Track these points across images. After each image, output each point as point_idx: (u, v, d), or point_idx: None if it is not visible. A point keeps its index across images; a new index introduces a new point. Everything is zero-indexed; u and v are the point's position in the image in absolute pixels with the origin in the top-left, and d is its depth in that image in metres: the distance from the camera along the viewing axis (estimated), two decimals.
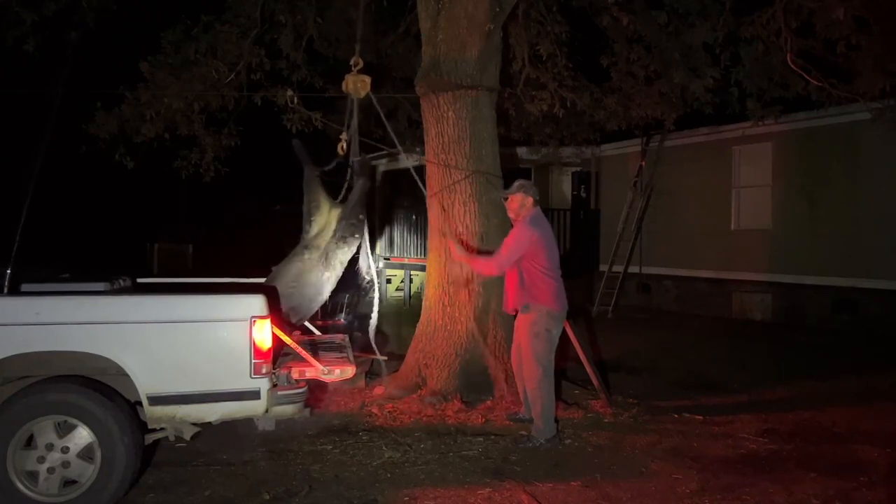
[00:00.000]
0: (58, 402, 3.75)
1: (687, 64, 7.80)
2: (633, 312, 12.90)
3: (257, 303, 3.94)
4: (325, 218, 5.48)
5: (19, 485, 3.70)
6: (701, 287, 12.73)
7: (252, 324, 3.87)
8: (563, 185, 16.41)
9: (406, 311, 11.71)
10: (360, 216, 5.34)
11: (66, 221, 22.26)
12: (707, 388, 6.95)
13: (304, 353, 4.29)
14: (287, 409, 4.07)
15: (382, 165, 16.25)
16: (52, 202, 21.70)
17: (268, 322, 3.94)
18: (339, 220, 5.36)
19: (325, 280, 5.28)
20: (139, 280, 5.28)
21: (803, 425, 5.62)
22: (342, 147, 5.87)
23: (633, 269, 13.51)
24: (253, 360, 3.87)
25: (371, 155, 9.62)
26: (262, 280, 5.46)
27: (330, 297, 5.57)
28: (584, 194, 15.89)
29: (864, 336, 9.85)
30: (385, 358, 6.82)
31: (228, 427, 5.00)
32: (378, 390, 6.28)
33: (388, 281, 16.30)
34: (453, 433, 5.23)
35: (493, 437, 5.17)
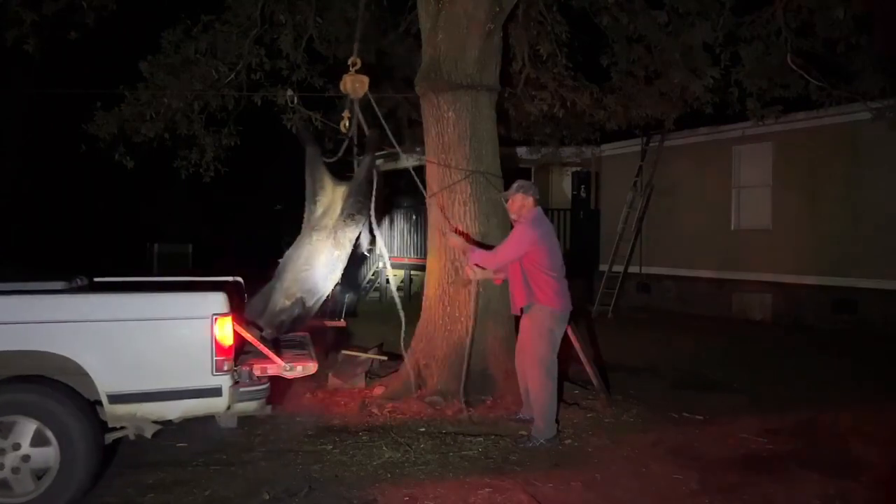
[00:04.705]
0: None
1: (687, 64, 7.80)
2: (633, 312, 12.90)
3: (218, 300, 3.95)
4: (329, 197, 5.48)
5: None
6: (701, 287, 12.73)
7: (213, 321, 3.88)
8: (563, 185, 16.40)
9: (406, 311, 11.64)
10: (367, 193, 5.36)
11: (66, 222, 22.27)
12: (707, 388, 6.94)
13: (265, 350, 4.30)
14: (249, 406, 4.09)
15: (382, 166, 16.24)
16: (51, 203, 21.75)
17: (229, 319, 3.95)
18: (346, 198, 5.36)
19: (336, 258, 5.29)
20: (96, 279, 5.21)
21: (803, 425, 5.61)
22: (345, 125, 5.90)
23: (633, 269, 13.51)
24: (214, 358, 3.88)
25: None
26: (229, 278, 5.42)
27: (331, 296, 5.58)
28: (584, 194, 15.87)
29: (864, 336, 9.85)
30: (384, 357, 6.83)
31: (228, 427, 5.01)
32: (378, 390, 6.28)
33: (388, 281, 16.29)
34: (453, 433, 5.22)
35: (493, 437, 5.17)
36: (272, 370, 4.25)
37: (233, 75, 8.50)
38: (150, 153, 9.15)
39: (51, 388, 3.79)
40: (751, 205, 12.16)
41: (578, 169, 15.58)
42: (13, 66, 9.57)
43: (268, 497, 4.07)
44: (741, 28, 7.57)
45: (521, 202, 5.24)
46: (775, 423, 5.61)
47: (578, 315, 7.84)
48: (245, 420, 5.27)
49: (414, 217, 14.88)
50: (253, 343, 4.30)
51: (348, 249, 5.39)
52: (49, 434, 3.72)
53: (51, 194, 21.86)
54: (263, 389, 4.15)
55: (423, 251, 13.11)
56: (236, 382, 4.03)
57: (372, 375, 6.75)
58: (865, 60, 7.50)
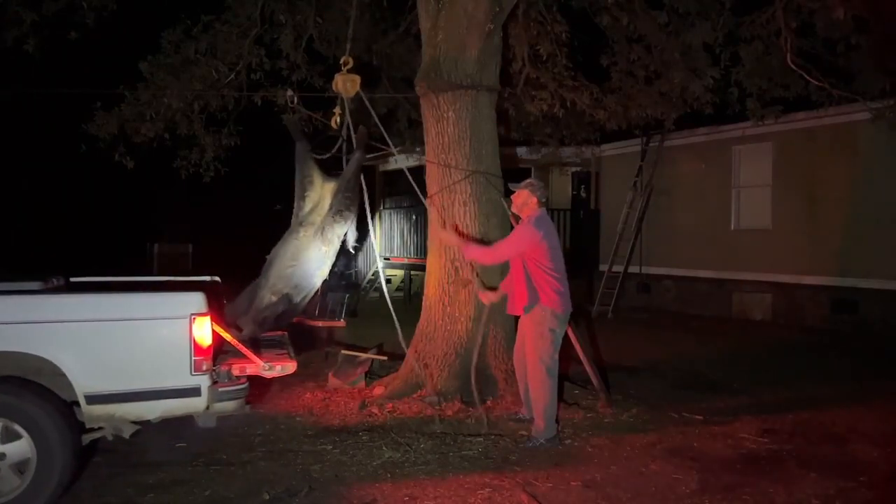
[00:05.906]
0: None
1: (687, 64, 7.81)
2: (633, 312, 12.90)
3: (196, 300, 3.95)
4: (318, 193, 5.48)
5: None
6: (701, 287, 12.73)
7: (191, 321, 3.87)
8: (563, 185, 16.42)
9: (406, 311, 11.67)
10: (356, 189, 5.36)
11: (67, 223, 22.26)
12: (707, 388, 6.94)
13: (244, 350, 4.30)
14: (228, 406, 4.08)
15: (382, 166, 16.25)
16: (51, 203, 21.73)
17: (207, 319, 3.94)
18: (335, 194, 5.35)
19: (324, 255, 5.29)
20: (73, 279, 5.19)
21: (803, 425, 5.62)
22: (335, 121, 5.90)
23: (633, 269, 13.51)
24: (193, 358, 3.88)
25: (370, 155, 9.62)
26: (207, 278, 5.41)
27: (329, 297, 5.59)
28: (584, 194, 15.89)
29: (864, 336, 9.85)
30: (384, 357, 6.83)
31: (228, 427, 5.02)
32: (378, 390, 6.28)
33: (388, 281, 16.30)
34: (453, 433, 5.22)
35: (493, 437, 5.17)
36: (251, 370, 4.24)
37: (233, 75, 8.50)
38: (150, 153, 9.15)
39: (9, 383, 3.75)
40: (751, 205, 12.16)
41: (578, 169, 15.59)
42: (12, 65, 9.56)
43: (268, 497, 4.07)
44: (741, 28, 7.57)
45: (524, 199, 5.23)
46: (775, 423, 5.61)
47: (578, 315, 7.84)
48: (245, 420, 5.29)
49: (413, 217, 14.88)
50: (232, 343, 4.30)
51: (336, 246, 5.38)
52: (16, 427, 3.70)
53: (50, 195, 21.85)
54: (242, 389, 4.15)
55: (422, 251, 13.12)
56: (215, 382, 4.03)
57: (372, 375, 6.75)
58: (865, 60, 7.50)
